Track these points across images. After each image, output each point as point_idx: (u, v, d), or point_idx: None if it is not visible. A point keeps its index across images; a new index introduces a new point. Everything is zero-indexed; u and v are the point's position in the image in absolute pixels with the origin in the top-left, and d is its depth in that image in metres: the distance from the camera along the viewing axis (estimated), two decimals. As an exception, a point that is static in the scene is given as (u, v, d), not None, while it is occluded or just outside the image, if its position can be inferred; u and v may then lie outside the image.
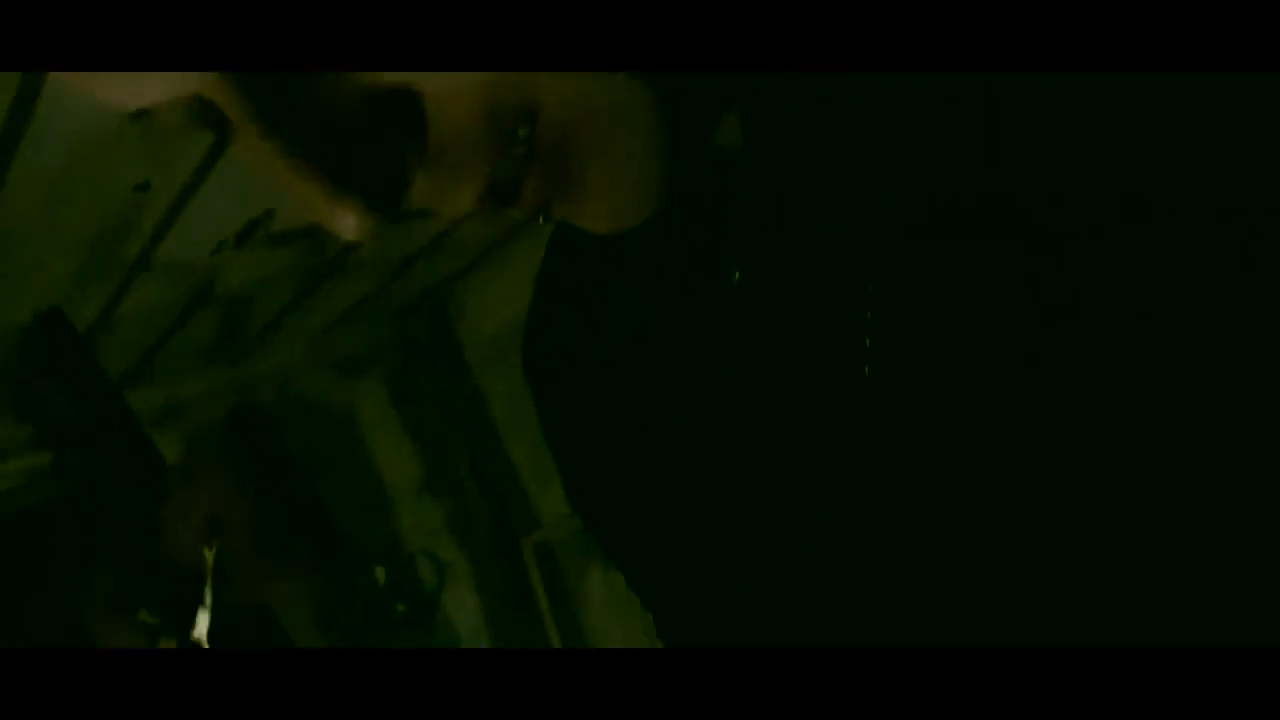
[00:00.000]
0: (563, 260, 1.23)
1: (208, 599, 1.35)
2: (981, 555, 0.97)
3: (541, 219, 0.96)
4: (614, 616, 4.38)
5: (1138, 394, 0.91)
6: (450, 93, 0.88)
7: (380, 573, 4.70)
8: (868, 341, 0.98)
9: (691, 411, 1.09)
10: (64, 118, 2.18)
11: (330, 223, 0.89)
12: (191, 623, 1.33)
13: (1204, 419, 0.91)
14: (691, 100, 1.00)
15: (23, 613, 3.19)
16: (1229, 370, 0.90)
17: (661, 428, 1.12)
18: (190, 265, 3.03)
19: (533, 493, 4.49)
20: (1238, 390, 0.90)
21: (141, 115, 0.90)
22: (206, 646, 1.29)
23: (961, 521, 0.97)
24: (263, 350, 4.06)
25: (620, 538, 1.25)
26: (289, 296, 3.64)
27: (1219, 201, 0.89)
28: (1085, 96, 0.91)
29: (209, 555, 1.36)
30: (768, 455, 1.06)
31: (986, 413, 0.95)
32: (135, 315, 3.09)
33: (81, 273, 2.80)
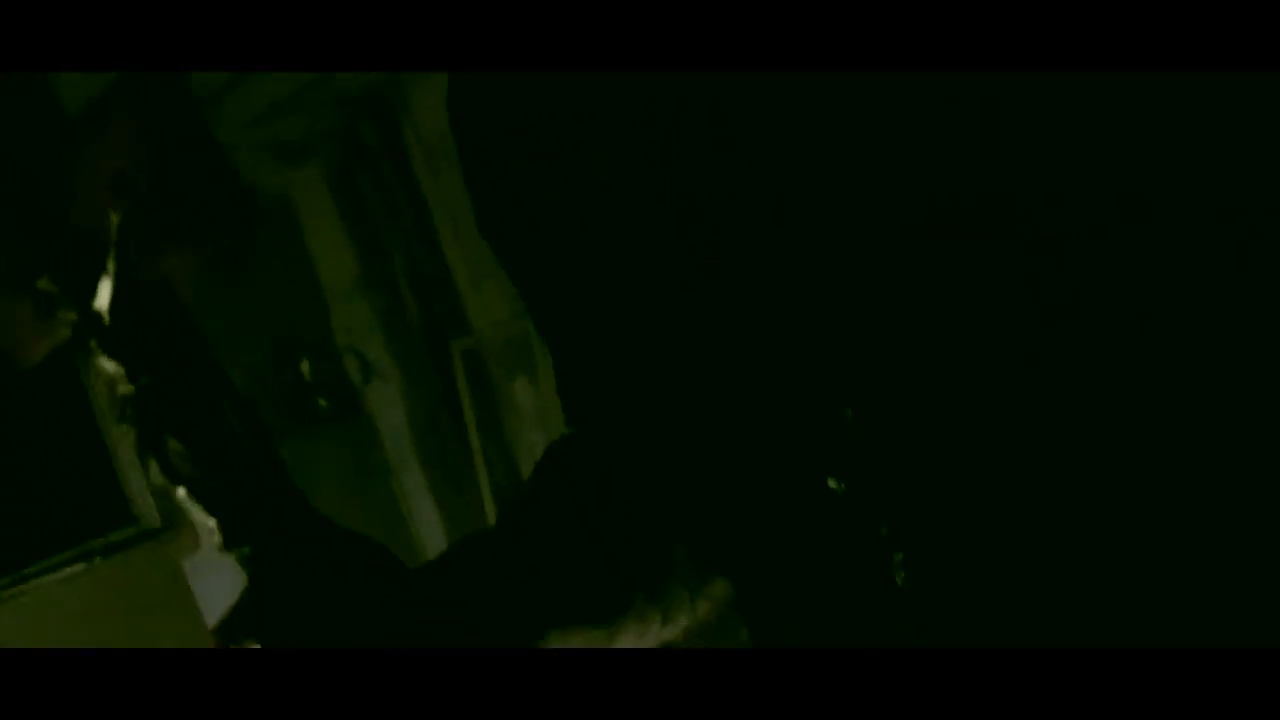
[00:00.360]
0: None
1: (111, 267, 1.30)
2: (977, 555, 0.99)
3: None
4: (538, 426, 4.41)
5: (1137, 393, 0.92)
6: None
7: (306, 368, 4.70)
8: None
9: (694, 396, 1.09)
10: None
11: None
12: (93, 293, 1.29)
13: (1204, 418, 0.92)
14: (691, 100, 0.99)
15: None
16: (1229, 370, 0.91)
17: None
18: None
19: (466, 298, 4.47)
20: (1238, 390, 0.91)
21: None
22: (107, 322, 1.25)
23: (960, 521, 0.99)
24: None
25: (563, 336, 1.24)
26: (225, 75, 3.57)
27: (1219, 201, 0.90)
28: (1085, 96, 0.91)
29: (114, 219, 1.30)
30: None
31: (986, 412, 0.96)
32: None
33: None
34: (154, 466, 1.16)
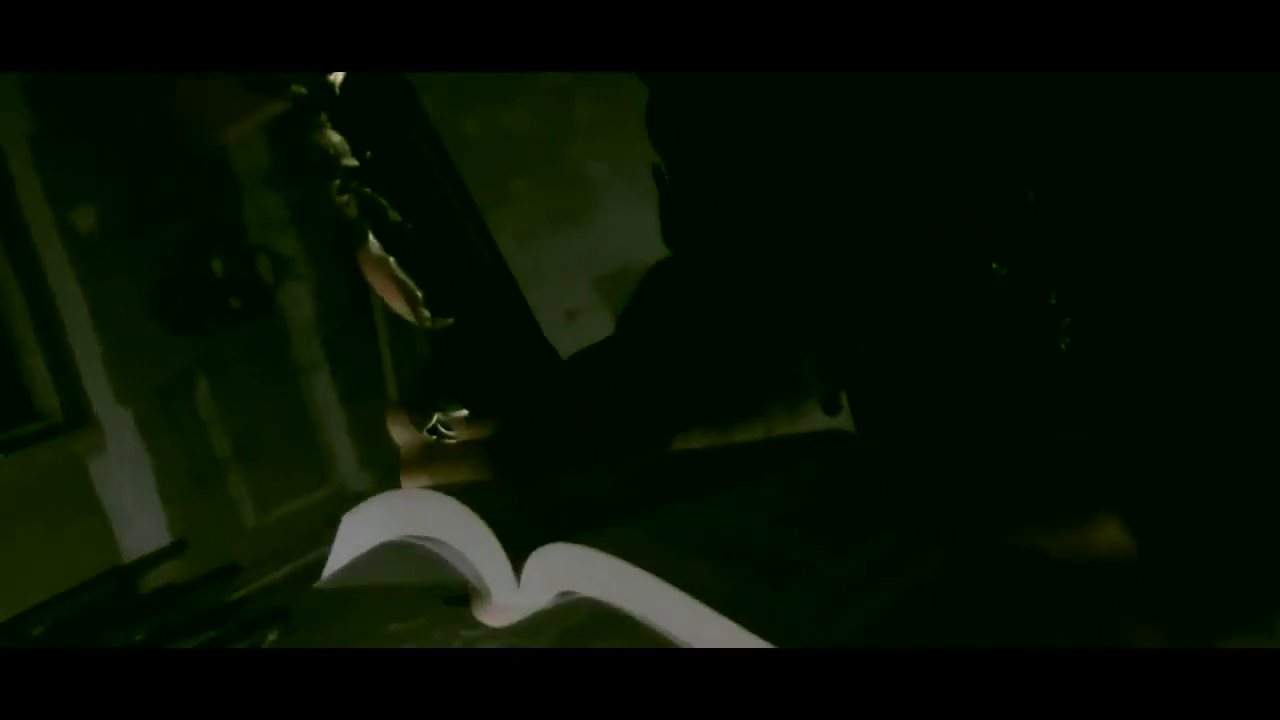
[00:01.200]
0: None
1: None
2: (975, 556, 0.99)
3: None
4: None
5: (1138, 394, 0.93)
6: None
7: (218, 265, 4.63)
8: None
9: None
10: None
11: None
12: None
13: (1204, 419, 0.92)
14: (691, 100, 0.99)
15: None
16: (1229, 370, 0.92)
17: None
18: None
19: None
20: (1238, 390, 0.92)
21: None
22: (338, 95, 1.25)
23: (960, 521, 0.99)
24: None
25: None
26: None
27: (1219, 201, 0.90)
28: (1085, 96, 0.91)
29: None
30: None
31: (986, 413, 0.97)
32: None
33: None
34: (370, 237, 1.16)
